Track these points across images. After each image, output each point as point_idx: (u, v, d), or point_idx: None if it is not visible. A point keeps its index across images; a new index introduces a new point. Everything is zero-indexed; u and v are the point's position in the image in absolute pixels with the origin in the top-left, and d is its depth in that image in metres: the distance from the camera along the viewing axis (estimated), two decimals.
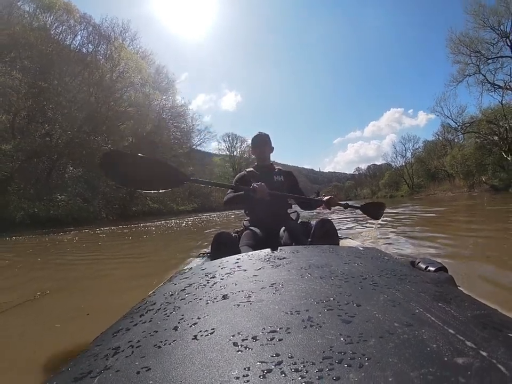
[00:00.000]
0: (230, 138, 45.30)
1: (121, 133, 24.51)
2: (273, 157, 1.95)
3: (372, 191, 33.64)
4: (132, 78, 24.68)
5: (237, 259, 0.70)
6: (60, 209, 15.50)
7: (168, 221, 13.38)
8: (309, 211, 2.23)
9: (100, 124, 21.41)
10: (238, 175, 1.87)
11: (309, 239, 1.47)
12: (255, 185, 1.52)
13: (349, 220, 6.12)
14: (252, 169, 1.89)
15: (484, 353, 0.27)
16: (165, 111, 30.41)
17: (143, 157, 1.21)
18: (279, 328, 0.34)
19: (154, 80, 28.15)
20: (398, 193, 23.24)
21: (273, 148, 1.92)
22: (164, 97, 29.84)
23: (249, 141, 1.96)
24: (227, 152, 44.89)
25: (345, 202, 1.80)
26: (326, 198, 1.62)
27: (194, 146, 34.02)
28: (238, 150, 45.02)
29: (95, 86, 21.45)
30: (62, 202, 16.16)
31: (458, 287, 0.49)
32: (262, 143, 1.85)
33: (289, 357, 0.29)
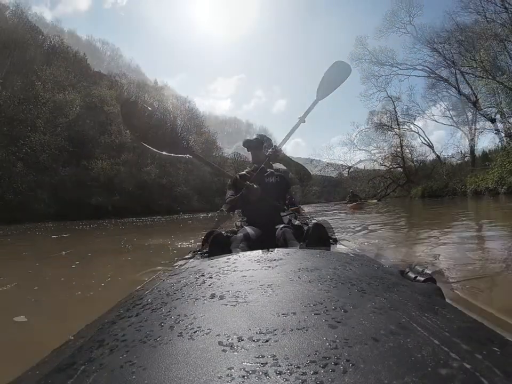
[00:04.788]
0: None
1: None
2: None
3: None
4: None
5: (228, 259, 0.70)
6: None
7: None
8: (305, 214, 2.30)
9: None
10: (233, 176, 1.90)
11: (301, 243, 1.48)
12: (250, 184, 1.56)
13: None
14: (246, 170, 1.93)
15: (468, 366, 0.27)
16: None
17: (156, 117, 1.22)
18: (265, 330, 0.34)
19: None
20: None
21: (274, 148, 1.90)
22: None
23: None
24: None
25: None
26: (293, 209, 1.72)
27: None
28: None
29: None
30: None
31: (446, 299, 0.50)
32: (252, 147, 1.91)
33: (273, 359, 0.29)
